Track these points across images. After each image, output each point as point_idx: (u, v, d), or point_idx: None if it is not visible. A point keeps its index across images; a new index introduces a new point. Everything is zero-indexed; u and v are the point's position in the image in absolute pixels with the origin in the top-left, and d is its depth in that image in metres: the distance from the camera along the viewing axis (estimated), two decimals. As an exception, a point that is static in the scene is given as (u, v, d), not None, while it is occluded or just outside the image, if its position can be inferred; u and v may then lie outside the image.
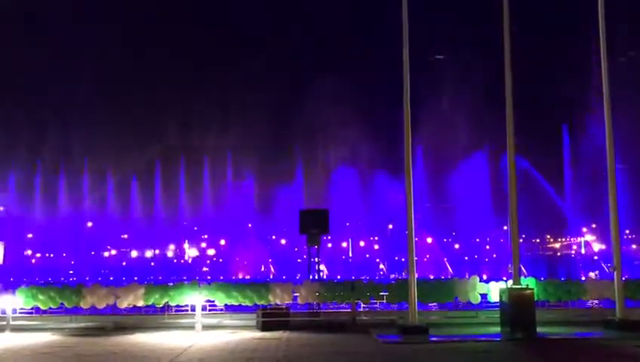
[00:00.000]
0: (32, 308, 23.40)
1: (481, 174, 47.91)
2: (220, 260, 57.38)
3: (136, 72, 54.23)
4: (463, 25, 46.27)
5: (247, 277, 45.83)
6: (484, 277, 25.36)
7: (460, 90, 47.18)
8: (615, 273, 21.47)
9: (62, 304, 23.18)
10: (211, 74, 57.95)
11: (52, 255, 58.59)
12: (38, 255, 59.85)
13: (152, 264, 52.00)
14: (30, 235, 57.95)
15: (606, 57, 22.20)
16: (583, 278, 33.31)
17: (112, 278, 43.74)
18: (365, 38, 55.09)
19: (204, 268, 53.09)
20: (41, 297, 22.92)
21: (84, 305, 23.05)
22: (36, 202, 54.29)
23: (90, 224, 57.53)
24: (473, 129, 47.24)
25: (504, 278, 23.54)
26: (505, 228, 37.10)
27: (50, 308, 23.31)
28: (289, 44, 56.14)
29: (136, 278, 38.46)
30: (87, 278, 41.68)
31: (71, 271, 50.15)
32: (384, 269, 49.40)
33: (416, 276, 20.73)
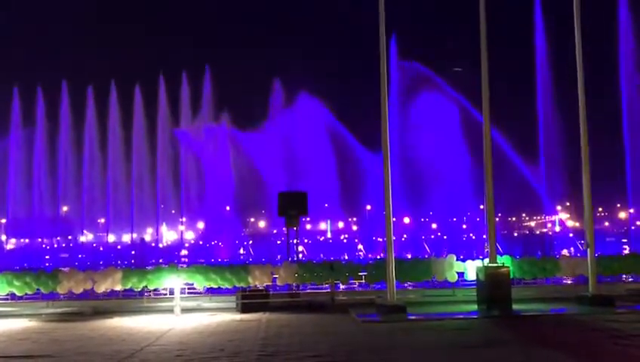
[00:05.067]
0: (7, 295, 23.09)
1: (459, 151, 48.06)
2: (200, 242, 57.22)
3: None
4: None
5: (226, 260, 45.78)
6: (461, 256, 25.59)
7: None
8: (588, 250, 21.92)
9: (38, 289, 22.90)
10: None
11: (27, 240, 57.81)
12: (13, 240, 59.03)
13: (133, 252, 51.39)
14: (4, 220, 57.08)
15: (580, 51, 22.32)
16: (558, 256, 33.83)
17: (89, 263, 43.33)
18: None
19: (183, 251, 52.83)
20: (16, 283, 22.58)
21: (61, 290, 22.77)
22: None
23: (65, 208, 56.76)
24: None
25: (480, 257, 23.81)
26: (481, 207, 37.50)
27: (26, 294, 23.05)
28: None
29: (114, 263, 38.15)
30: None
31: (47, 256, 49.52)
32: (362, 250, 49.70)
33: (394, 256, 20.93)
